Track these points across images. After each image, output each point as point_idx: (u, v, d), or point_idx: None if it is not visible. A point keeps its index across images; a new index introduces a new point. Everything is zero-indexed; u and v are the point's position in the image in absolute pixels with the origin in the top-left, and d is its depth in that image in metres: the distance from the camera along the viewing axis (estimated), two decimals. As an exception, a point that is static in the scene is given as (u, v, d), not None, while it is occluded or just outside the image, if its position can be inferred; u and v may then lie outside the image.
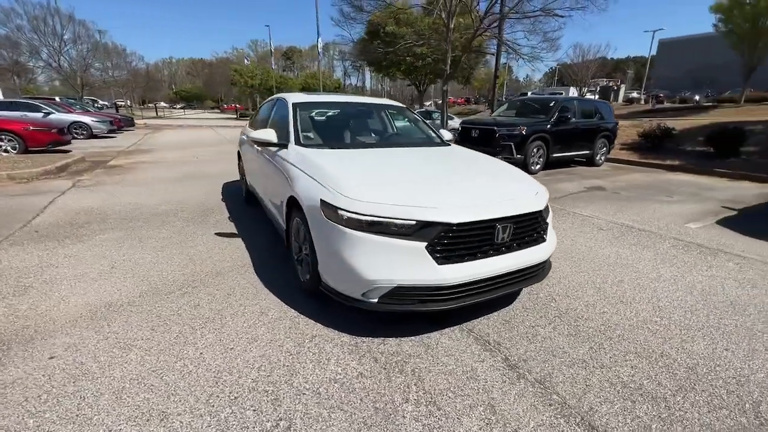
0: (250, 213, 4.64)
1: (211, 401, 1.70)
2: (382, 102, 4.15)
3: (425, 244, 1.97)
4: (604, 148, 9.76)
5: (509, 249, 2.20)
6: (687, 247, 3.80)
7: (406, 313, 2.35)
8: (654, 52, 42.08)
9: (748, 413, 1.70)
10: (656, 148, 10.87)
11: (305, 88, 44.61)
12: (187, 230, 4.00)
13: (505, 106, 9.97)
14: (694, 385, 1.87)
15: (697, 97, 33.16)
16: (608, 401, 1.75)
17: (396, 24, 22.01)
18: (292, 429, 1.57)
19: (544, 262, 2.41)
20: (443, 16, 11.03)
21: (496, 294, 2.21)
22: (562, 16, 9.58)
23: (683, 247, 3.80)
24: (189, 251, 3.43)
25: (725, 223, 4.67)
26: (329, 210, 2.12)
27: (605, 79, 45.07)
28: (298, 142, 3.05)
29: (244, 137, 4.67)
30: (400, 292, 2.01)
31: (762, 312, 2.56)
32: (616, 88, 37.48)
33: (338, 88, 45.19)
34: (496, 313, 2.47)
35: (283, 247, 3.51)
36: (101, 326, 2.26)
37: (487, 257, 2.11)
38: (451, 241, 2.02)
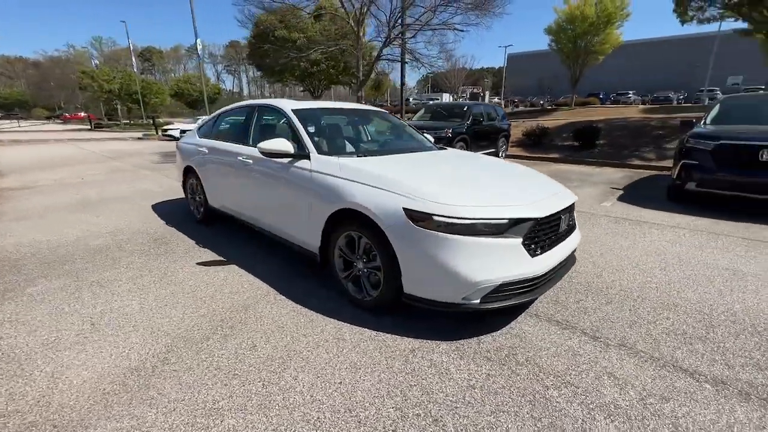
0: (224, 235, 4.05)
1: (373, 442, 1.53)
2: (370, 108, 4.11)
3: (521, 239, 2.11)
4: (504, 146, 11.32)
5: (564, 237, 2.49)
6: (618, 221, 4.76)
7: (497, 310, 2.42)
8: (504, 63, 49.93)
9: (763, 350, 2.29)
10: (537, 144, 13.03)
11: (178, 94, 39.82)
12: (155, 265, 3.30)
13: (422, 112, 10.71)
14: (712, 321, 2.42)
15: (541, 102, 40.57)
16: (677, 347, 2.15)
17: (286, 29, 21.41)
18: (476, 443, 1.53)
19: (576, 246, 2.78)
20: (352, 24, 11.23)
21: (560, 279, 2.47)
22: (462, 30, 10.81)
23: (615, 221, 4.75)
24: (182, 289, 2.86)
25: (623, 200, 5.95)
26: (419, 218, 2.08)
27: (471, 87, 51.75)
28: (321, 151, 2.84)
29: (203, 149, 4.05)
30: (503, 289, 2.09)
31: (701, 263, 3.41)
32: (482, 94, 43.38)
33: (218, 94, 41.51)
34: (541, 297, 2.74)
35: (303, 266, 3.25)
36: (152, 397, 1.77)
37: (556, 246, 2.35)
38: (537, 234, 2.20)
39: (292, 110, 3.20)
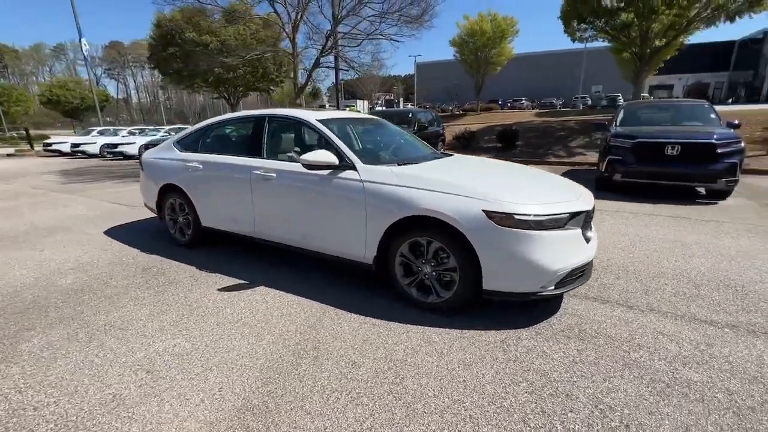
0: (223, 257, 3.71)
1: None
2: (371, 117, 4.15)
3: (580, 230, 2.43)
4: (442, 149, 12.14)
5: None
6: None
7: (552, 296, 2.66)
8: (414, 71, 53.00)
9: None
10: (466, 146, 14.21)
11: (52, 101, 33.79)
12: (170, 297, 2.92)
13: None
14: (695, 282, 3.06)
15: (450, 107, 43.91)
16: (688, 305, 2.69)
17: (197, 31, 19.76)
18: (631, 417, 1.76)
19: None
20: (288, 30, 10.90)
21: (591, 264, 2.88)
22: (398, 41, 11.30)
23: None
24: (225, 319, 2.60)
25: (564, 192, 6.91)
26: (500, 218, 2.26)
27: (385, 94, 53.69)
28: (366, 161, 2.84)
29: (193, 164, 3.66)
30: (571, 274, 2.39)
31: (657, 239, 4.21)
32: (396, 101, 45.26)
33: (106, 101, 36.25)
34: (567, 279, 3.13)
35: (340, 278, 3.20)
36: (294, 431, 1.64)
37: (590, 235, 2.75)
38: (586, 224, 2.55)
39: (318, 120, 3.13)
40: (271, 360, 2.15)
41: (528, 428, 1.65)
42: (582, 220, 2.48)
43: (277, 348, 2.26)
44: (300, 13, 10.37)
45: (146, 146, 14.44)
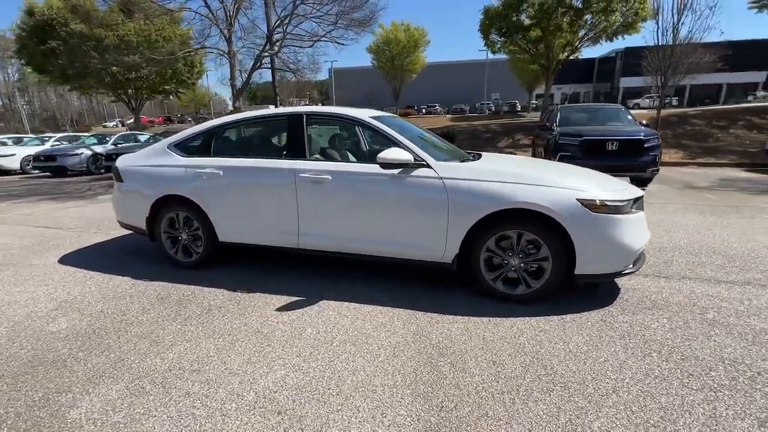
0: (250, 271, 3.26)
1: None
2: (392, 115, 4.00)
3: (642, 212, 2.72)
4: (390, 153, 12.34)
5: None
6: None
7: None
8: (332, 77, 52.74)
9: None
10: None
11: None
12: (220, 327, 2.46)
13: None
14: (705, 253, 3.64)
15: (370, 113, 44.77)
16: (719, 272, 3.17)
17: (86, 23, 16.89)
18: (754, 366, 2.02)
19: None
20: (221, 28, 9.89)
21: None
22: (342, 44, 11.06)
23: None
24: (315, 341, 2.29)
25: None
26: (593, 205, 2.42)
27: (299, 99, 52.33)
28: (438, 158, 2.77)
29: (207, 171, 3.13)
30: (641, 254, 2.66)
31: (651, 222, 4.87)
32: (314, 106, 44.60)
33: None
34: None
35: (404, 280, 3.07)
36: (500, 441, 1.53)
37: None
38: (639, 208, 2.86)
39: (372, 118, 2.95)
40: (409, 374, 1.96)
41: (693, 391, 1.79)
42: (640, 204, 2.77)
43: (403, 361, 2.08)
44: (235, 11, 9.53)
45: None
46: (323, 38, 10.16)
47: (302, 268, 3.39)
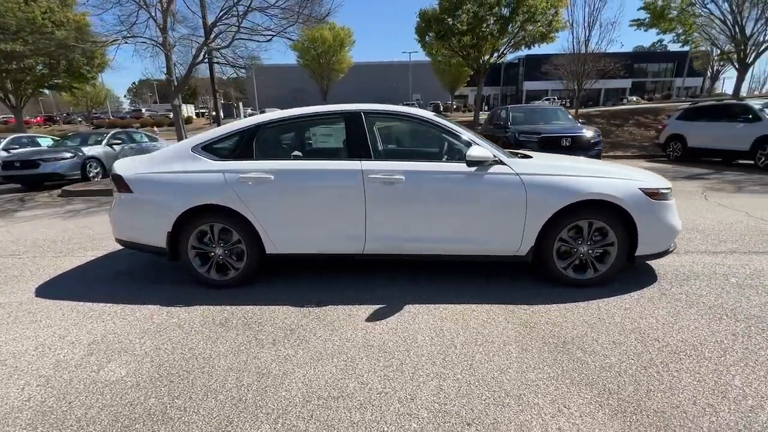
0: (300, 282, 2.98)
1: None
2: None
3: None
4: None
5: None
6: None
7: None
8: (253, 75, 49.78)
9: None
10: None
11: None
12: (330, 351, 2.23)
13: None
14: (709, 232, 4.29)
15: (297, 113, 43.47)
16: (733, 245, 3.79)
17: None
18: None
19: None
20: (153, 15, 8.55)
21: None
22: (292, 39, 10.41)
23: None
24: (440, 351, 2.21)
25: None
26: (653, 193, 2.74)
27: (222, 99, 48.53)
28: (507, 156, 2.85)
29: (256, 176, 2.77)
30: (676, 234, 3.07)
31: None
32: (236, 105, 41.70)
33: None
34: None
35: (469, 272, 3.11)
36: None
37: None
38: (667, 195, 3.29)
39: (435, 116, 2.92)
40: (554, 365, 2.01)
41: None
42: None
43: (537, 353, 2.12)
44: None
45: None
46: (279, 34, 9.53)
47: (349, 275, 3.20)
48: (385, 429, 1.62)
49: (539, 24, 14.64)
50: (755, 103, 9.57)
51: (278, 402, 1.79)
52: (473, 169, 2.74)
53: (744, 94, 21.82)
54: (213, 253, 2.98)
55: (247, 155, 2.92)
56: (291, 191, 2.83)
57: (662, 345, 2.16)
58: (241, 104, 42.42)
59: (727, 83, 57.09)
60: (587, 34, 14.87)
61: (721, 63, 19.16)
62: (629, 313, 2.51)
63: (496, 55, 17.49)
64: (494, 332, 2.34)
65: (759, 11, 16.26)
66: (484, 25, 14.54)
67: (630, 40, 76.16)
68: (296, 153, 3.04)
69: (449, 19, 14.40)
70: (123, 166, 3.05)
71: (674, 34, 18.84)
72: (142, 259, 3.71)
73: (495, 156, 2.76)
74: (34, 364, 2.12)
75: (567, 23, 15.58)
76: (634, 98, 46.43)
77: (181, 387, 1.91)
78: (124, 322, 2.55)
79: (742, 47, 16.96)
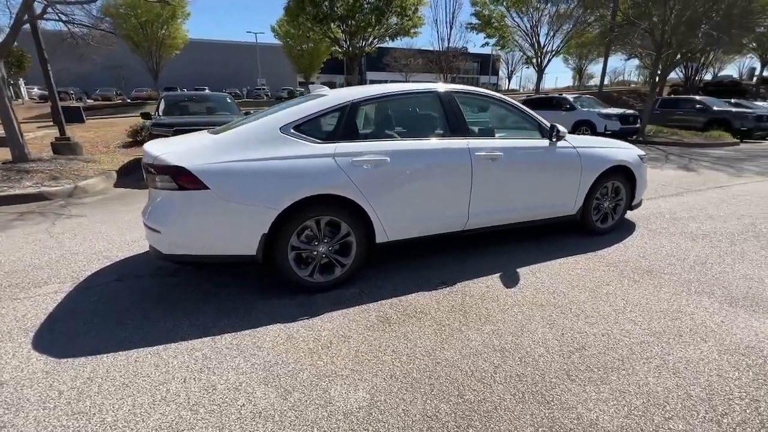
0: (394, 271, 2.86)
1: None
2: None
3: (631, 162, 4.31)
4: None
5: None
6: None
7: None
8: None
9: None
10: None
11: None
12: (550, 317, 2.36)
13: (163, 105, 7.96)
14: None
15: (116, 94, 35.30)
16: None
17: None
18: None
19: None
20: None
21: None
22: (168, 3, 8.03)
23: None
24: (617, 310, 2.62)
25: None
26: (643, 158, 3.75)
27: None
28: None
29: (371, 158, 2.50)
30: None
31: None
32: (11, 81, 30.76)
33: None
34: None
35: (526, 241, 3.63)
36: None
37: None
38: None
39: (511, 99, 3.21)
40: (670, 284, 2.69)
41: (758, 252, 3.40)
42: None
43: (645, 279, 2.77)
44: None
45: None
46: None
47: (426, 255, 3.24)
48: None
49: (408, 18, 16.00)
50: (570, 97, 13.24)
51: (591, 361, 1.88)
52: (548, 143, 3.18)
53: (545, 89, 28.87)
54: (315, 252, 2.56)
55: (349, 136, 2.60)
56: (407, 173, 2.68)
57: (679, 250, 3.12)
58: (22, 82, 31.59)
59: (525, 81, 74.44)
60: (449, 31, 17.05)
61: (525, 64, 25.02)
62: (658, 250, 3.41)
63: (364, 43, 18.21)
64: (599, 273, 2.89)
65: (548, 28, 21.83)
66: (361, 13, 14.97)
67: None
68: (395, 132, 2.86)
69: (327, 2, 14.24)
70: (186, 157, 2.26)
71: (496, 38, 23.44)
72: (161, 279, 2.80)
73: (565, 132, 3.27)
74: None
75: (424, 19, 17.48)
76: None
77: (442, 382, 1.76)
78: (267, 354, 2.01)
79: (539, 54, 22.47)
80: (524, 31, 22.42)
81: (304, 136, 2.49)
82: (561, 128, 3.15)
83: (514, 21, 22.30)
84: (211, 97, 9.01)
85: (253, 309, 2.41)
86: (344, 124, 2.60)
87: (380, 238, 2.73)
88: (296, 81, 50.75)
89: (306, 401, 1.67)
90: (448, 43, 19.29)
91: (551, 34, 21.67)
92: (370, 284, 2.74)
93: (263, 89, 40.94)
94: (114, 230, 3.93)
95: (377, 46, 18.80)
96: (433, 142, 2.82)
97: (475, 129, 3.14)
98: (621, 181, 3.65)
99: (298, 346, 2.05)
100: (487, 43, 24.01)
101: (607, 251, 3.33)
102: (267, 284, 2.72)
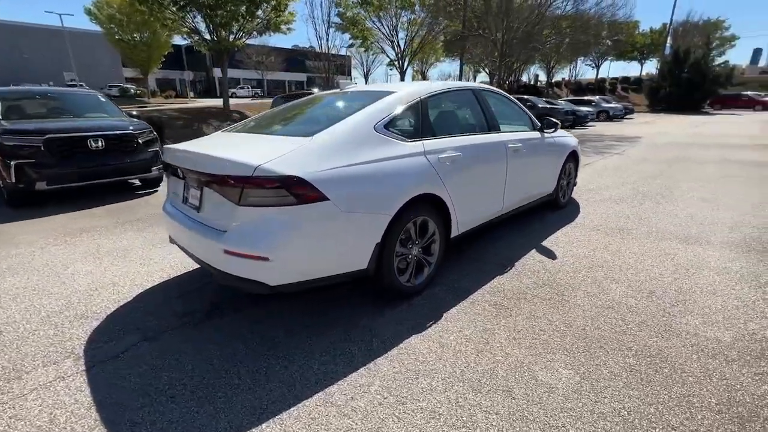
0: (458, 263, 2.99)
1: None
2: None
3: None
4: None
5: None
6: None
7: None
8: None
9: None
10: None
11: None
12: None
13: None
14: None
15: None
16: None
17: None
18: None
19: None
20: None
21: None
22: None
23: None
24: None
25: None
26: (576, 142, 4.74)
27: None
28: (539, 125, 4.01)
29: (451, 154, 2.53)
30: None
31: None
32: None
33: None
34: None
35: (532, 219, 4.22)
36: None
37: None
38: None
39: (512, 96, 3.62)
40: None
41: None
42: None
43: (641, 240, 3.59)
44: None
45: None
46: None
47: (448, 250, 3.46)
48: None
49: (279, 13, 15.29)
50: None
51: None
52: (539, 134, 3.75)
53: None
54: (410, 255, 2.46)
55: (428, 132, 2.56)
56: (472, 167, 2.81)
57: (620, 212, 4.18)
58: None
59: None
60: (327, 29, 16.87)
61: (389, 66, 26.92)
62: (597, 210, 4.41)
63: (233, 37, 16.65)
64: (595, 237, 3.60)
65: (405, 33, 23.99)
66: (232, 3, 13.56)
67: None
68: (453, 127, 2.91)
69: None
70: (284, 163, 1.85)
71: (360, 39, 24.46)
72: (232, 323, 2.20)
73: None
74: None
75: (296, 14, 16.96)
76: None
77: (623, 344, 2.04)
78: (446, 365, 1.89)
79: (400, 57, 24.53)
80: (384, 35, 24.14)
81: (394, 134, 2.35)
82: (554, 120, 3.76)
83: (375, 24, 23.77)
84: (64, 95, 6.82)
85: (376, 333, 2.17)
86: (422, 121, 2.56)
87: (454, 233, 2.79)
88: (122, 76, 42.51)
89: (529, 393, 1.69)
90: (328, 42, 19.33)
91: (409, 38, 23.96)
92: (446, 280, 2.77)
93: (77, 85, 32.67)
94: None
95: (246, 41, 17.30)
96: (483, 136, 3.01)
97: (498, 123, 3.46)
98: (573, 163, 4.55)
99: (462, 351, 2.00)
100: (352, 44, 24.97)
101: (581, 220, 4.14)
102: (357, 303, 2.46)
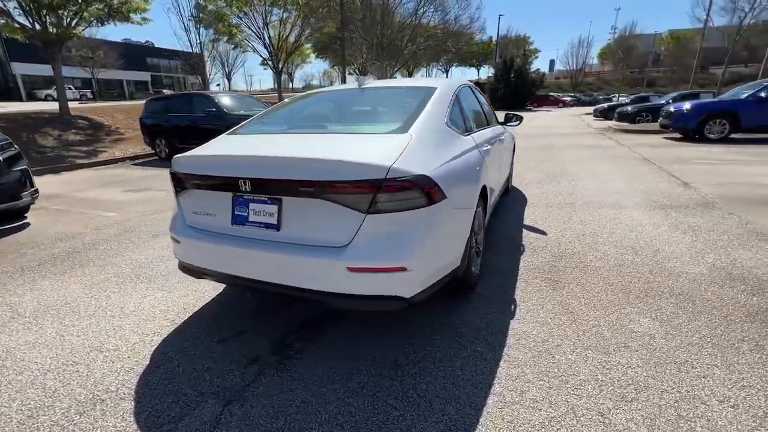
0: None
1: None
2: None
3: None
4: None
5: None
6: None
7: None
8: None
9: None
10: None
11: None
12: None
13: None
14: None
15: None
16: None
17: None
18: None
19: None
20: None
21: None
22: None
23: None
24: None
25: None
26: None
27: None
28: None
29: (487, 147, 2.67)
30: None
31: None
32: None
33: None
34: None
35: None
36: (610, 201, 4.68)
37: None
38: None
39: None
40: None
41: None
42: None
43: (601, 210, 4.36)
44: None
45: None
46: None
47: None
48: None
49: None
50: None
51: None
52: (504, 128, 4.21)
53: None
54: (473, 245, 2.52)
55: (468, 126, 2.65)
56: (494, 158, 3.03)
57: (568, 188, 5.08)
58: None
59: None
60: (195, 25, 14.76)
61: (263, 66, 25.16)
62: (545, 187, 5.21)
63: (65, 23, 13.33)
64: (578, 216, 4.27)
65: (276, 31, 22.96)
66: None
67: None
68: (475, 121, 3.04)
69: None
70: (411, 163, 1.68)
71: (227, 35, 22.38)
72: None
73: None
74: None
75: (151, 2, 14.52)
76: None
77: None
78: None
79: (274, 56, 23.44)
80: (254, 32, 22.66)
81: (454, 129, 2.35)
82: (519, 114, 4.24)
83: (242, 21, 22.09)
84: None
85: (476, 327, 2.17)
86: (463, 116, 2.62)
87: (487, 219, 2.95)
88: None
89: (640, 343, 1.98)
90: (199, 37, 16.73)
91: (283, 37, 23.02)
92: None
93: None
94: None
95: (83, 30, 13.91)
96: (491, 129, 3.27)
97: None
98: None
99: (559, 323, 2.18)
100: (218, 40, 22.49)
101: (532, 200, 4.81)
102: (427, 307, 2.38)
